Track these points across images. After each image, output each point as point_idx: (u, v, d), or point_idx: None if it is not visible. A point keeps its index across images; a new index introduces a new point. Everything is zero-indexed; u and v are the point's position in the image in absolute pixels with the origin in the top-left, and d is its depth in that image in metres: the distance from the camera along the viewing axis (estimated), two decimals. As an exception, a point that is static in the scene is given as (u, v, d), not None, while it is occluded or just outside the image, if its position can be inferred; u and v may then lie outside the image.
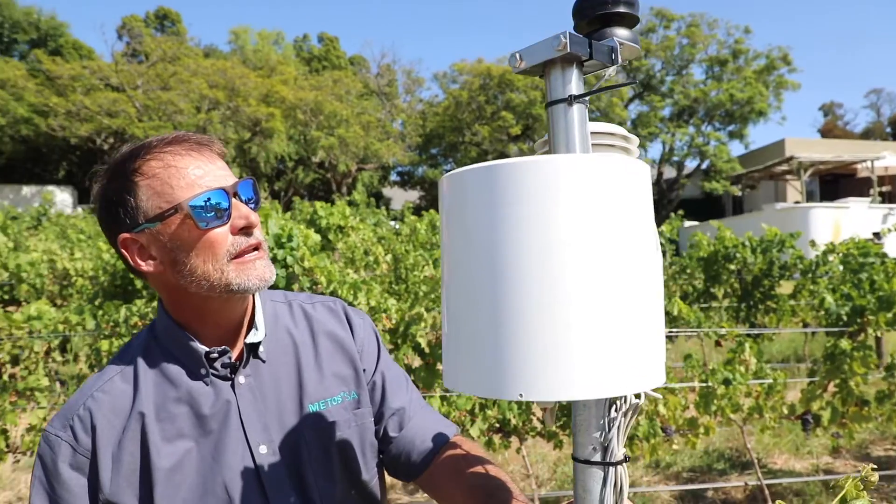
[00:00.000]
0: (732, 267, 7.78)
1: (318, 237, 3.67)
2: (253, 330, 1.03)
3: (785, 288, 7.66)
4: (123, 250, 0.95)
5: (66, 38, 36.18)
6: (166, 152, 0.93)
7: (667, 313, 4.53)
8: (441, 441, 1.11)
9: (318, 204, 6.92)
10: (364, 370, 1.12)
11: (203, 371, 0.98)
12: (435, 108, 36.27)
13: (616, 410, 0.76)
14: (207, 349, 0.98)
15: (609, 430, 0.74)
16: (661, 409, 3.47)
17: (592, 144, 0.79)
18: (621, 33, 0.76)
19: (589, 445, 0.74)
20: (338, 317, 1.15)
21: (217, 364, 0.98)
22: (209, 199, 0.91)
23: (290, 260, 3.30)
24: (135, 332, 3.50)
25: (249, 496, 0.97)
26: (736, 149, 31.57)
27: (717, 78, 31.47)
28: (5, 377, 3.54)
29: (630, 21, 0.77)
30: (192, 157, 0.94)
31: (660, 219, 24.40)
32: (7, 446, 3.23)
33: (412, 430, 1.12)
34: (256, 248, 0.96)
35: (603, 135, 0.78)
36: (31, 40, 35.33)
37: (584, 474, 0.74)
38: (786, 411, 3.63)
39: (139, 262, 0.95)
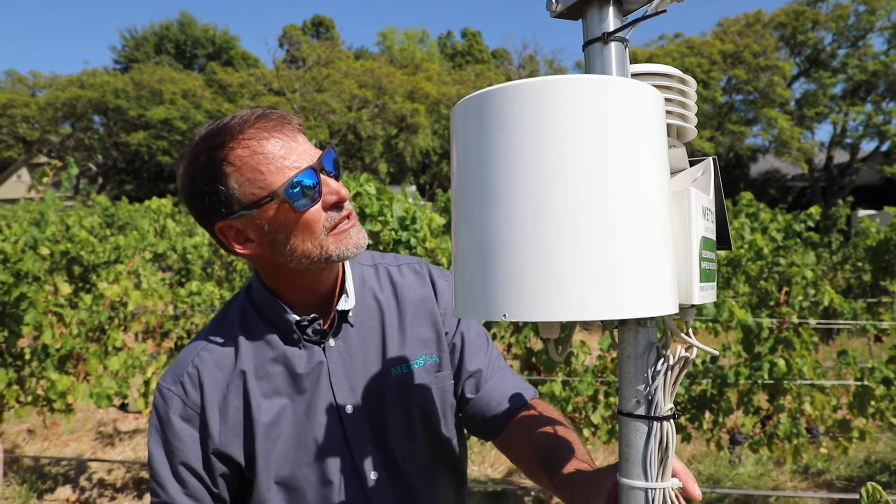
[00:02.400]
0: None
1: (441, 220, 3.77)
2: (343, 297, 1.06)
3: None
4: (221, 236, 0.98)
5: (236, 50, 40.28)
6: (250, 138, 0.93)
7: (817, 304, 4.07)
8: (518, 403, 1.12)
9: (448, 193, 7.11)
10: (446, 333, 1.14)
11: (295, 336, 1.03)
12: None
13: (662, 363, 0.73)
14: (298, 318, 1.02)
15: (653, 382, 0.71)
16: (808, 407, 3.15)
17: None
18: (670, -33, 0.72)
19: (633, 398, 0.72)
20: (423, 279, 1.18)
21: (308, 331, 1.03)
22: (301, 181, 0.93)
23: (413, 241, 3.42)
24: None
25: (336, 452, 1.02)
26: (924, 128, 27.14)
27: (902, 48, 27.36)
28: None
29: (683, -46, 0.73)
30: (276, 137, 0.94)
31: (828, 206, 21.84)
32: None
33: (488, 392, 1.13)
34: (347, 216, 0.99)
35: (651, 75, 0.74)
36: (208, 54, 39.79)
37: (627, 428, 0.72)
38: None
39: (237, 245, 0.99)
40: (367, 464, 1.04)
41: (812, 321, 3.67)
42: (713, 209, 0.74)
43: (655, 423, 0.71)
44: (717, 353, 0.73)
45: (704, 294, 0.68)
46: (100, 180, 32.90)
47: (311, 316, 1.03)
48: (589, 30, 0.70)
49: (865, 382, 2.99)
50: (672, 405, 0.73)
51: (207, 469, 1.00)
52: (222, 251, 8.77)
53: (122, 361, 3.35)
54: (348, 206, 1.00)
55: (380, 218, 3.37)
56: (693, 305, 0.68)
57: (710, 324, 4.16)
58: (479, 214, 0.52)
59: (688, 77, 0.77)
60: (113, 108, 29.76)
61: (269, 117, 0.96)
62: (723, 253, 5.69)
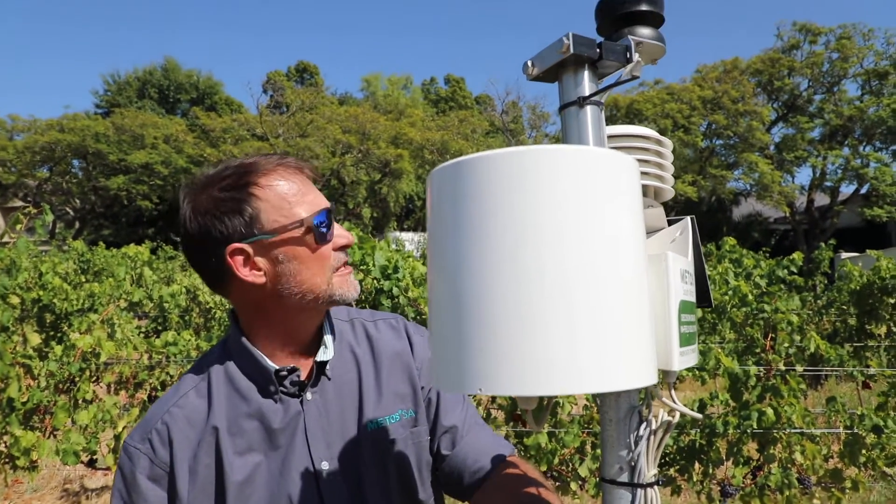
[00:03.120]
0: (893, 301, 6.88)
1: (424, 268, 3.75)
2: (322, 348, 1.06)
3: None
4: (228, 259, 0.97)
5: (220, 96, 40.70)
6: (277, 172, 0.99)
7: (803, 350, 4.08)
8: (495, 461, 1.08)
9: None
10: (422, 387, 1.12)
11: (272, 388, 1.01)
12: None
13: (644, 428, 0.71)
14: (277, 367, 1.01)
15: (636, 448, 0.69)
16: (798, 457, 3.12)
17: (618, 147, 0.76)
18: (644, 32, 0.73)
19: (616, 465, 0.70)
20: (399, 333, 1.17)
21: (286, 382, 1.01)
22: (323, 217, 0.98)
23: (395, 290, 3.39)
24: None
25: None
26: (901, 170, 27.84)
27: (876, 93, 28.22)
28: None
29: (654, 20, 0.74)
30: (299, 177, 1.01)
31: (810, 249, 22.15)
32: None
33: (464, 449, 1.10)
34: (346, 263, 1.04)
35: (626, 137, 0.75)
36: (192, 99, 40.13)
37: (611, 496, 0.70)
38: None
39: (243, 270, 0.97)
40: None
41: (799, 368, 3.67)
42: (692, 270, 0.73)
43: (640, 490, 0.69)
44: (700, 416, 0.71)
45: (685, 359, 0.66)
46: (77, 225, 32.56)
47: (291, 366, 1.02)
48: (565, 93, 0.71)
49: (856, 430, 2.97)
50: (656, 471, 0.71)
51: None
52: (202, 297, 8.65)
53: (91, 415, 3.24)
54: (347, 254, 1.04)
55: (362, 267, 3.35)
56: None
57: (697, 371, 4.16)
58: (454, 284, 0.50)
59: (664, 138, 0.78)
60: (93, 153, 29.65)
61: (290, 161, 1.03)
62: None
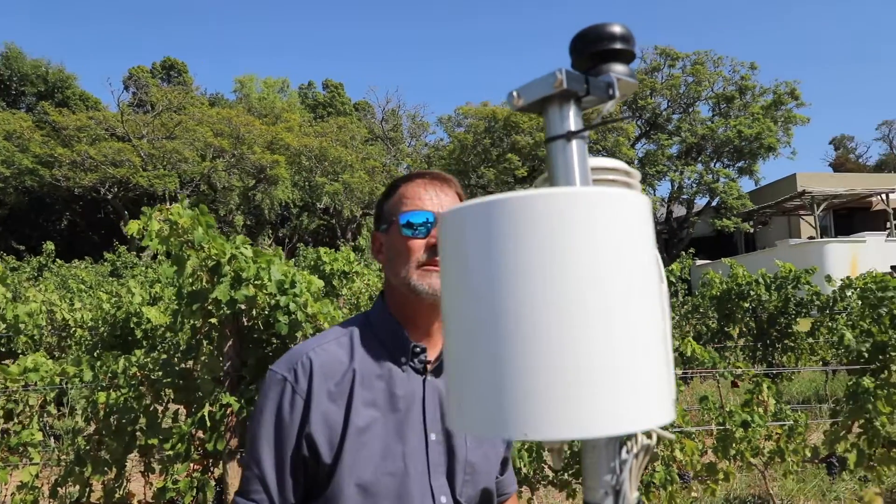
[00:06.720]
0: (747, 305, 7.68)
1: (321, 283, 3.64)
2: None
3: (802, 325, 7.51)
4: (372, 244, 1.26)
5: (73, 90, 37.03)
6: (415, 181, 1.21)
7: (680, 354, 4.44)
8: (508, 495, 1.37)
9: (321, 250, 6.92)
10: None
11: (403, 359, 1.17)
12: (440, 151, 36.50)
13: (627, 452, 0.73)
14: (414, 342, 1.17)
15: (620, 472, 0.71)
16: (678, 454, 3.37)
17: (593, 180, 0.79)
18: (618, 69, 0.76)
19: (600, 489, 0.71)
20: None
21: (415, 360, 1.17)
22: (415, 214, 1.15)
23: (292, 306, 3.27)
24: (133, 383, 3.42)
25: (418, 471, 1.13)
26: (746, 185, 31.14)
27: (724, 115, 31.47)
28: (-2, 433, 3.47)
29: (626, 57, 0.77)
30: (429, 186, 1.20)
31: (670, 257, 24.15)
32: (-2, 505, 3.14)
33: (508, 479, 1.36)
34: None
35: (604, 170, 0.77)
36: (39, 92, 36.13)
37: (596, 521, 0.71)
38: (809, 454, 3.50)
39: (377, 253, 1.24)
40: (438, 488, 1.15)
41: (678, 371, 3.98)
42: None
43: (625, 514, 0.71)
44: (672, 437, 0.74)
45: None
46: None
47: (423, 346, 1.18)
48: (551, 125, 0.72)
49: (727, 426, 3.27)
50: (638, 494, 0.74)
51: (297, 452, 1.11)
52: (59, 314, 7.83)
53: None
54: None
55: (256, 282, 3.18)
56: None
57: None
58: (491, 328, 0.49)
59: (633, 170, 0.81)
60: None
61: (437, 175, 1.23)
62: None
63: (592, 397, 0.47)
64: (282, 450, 1.11)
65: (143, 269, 18.82)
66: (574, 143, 0.71)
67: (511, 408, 0.48)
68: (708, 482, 3.27)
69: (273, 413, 1.12)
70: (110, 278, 17.58)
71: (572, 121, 0.71)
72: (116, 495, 3.35)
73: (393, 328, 1.18)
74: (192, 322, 3.33)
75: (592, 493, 0.71)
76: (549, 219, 0.49)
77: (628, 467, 0.71)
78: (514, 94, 0.73)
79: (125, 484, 3.38)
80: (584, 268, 0.48)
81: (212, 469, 3.34)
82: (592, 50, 0.75)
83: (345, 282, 7.25)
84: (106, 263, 20.79)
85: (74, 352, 7.19)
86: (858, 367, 4.46)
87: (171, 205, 3.12)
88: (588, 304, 0.48)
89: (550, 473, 3.41)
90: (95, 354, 5.18)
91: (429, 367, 1.19)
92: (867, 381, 3.62)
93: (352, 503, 1.09)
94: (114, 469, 3.34)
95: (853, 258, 17.37)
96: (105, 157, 27.94)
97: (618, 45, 0.75)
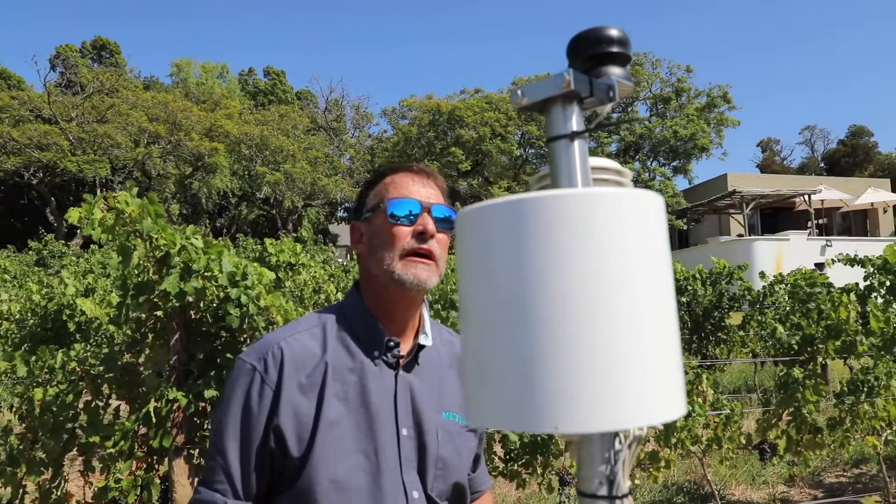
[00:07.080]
0: (683, 300, 7.99)
1: (272, 275, 3.58)
2: (422, 335, 1.21)
3: (734, 319, 7.88)
4: (351, 233, 1.25)
5: (-6, 69, 34.71)
6: (401, 172, 1.21)
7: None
8: (481, 491, 1.37)
9: (267, 241, 6.77)
10: None
11: (377, 353, 1.16)
12: (384, 143, 36.25)
13: (620, 443, 0.76)
14: (388, 336, 1.16)
15: (615, 462, 0.74)
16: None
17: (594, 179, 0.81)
18: (616, 71, 0.79)
19: (595, 479, 0.73)
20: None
21: (388, 354, 1.16)
22: (403, 203, 1.14)
23: (244, 299, 3.20)
24: (73, 378, 3.28)
25: (390, 466, 1.13)
26: (680, 183, 32.49)
27: (661, 115, 32.58)
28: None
29: (623, 60, 0.80)
30: (415, 178, 1.20)
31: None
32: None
33: (480, 476, 1.36)
34: (429, 256, 1.13)
35: (599, 169, 0.80)
36: (-45, 70, 33.73)
37: (590, 510, 0.73)
38: (743, 441, 3.69)
39: (356, 243, 1.22)
40: (410, 483, 1.15)
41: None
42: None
43: (618, 501, 0.73)
44: (661, 427, 0.78)
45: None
46: None
47: (397, 340, 1.17)
48: (554, 125, 0.73)
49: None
50: (629, 482, 0.77)
51: (264, 444, 1.09)
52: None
53: None
54: (434, 247, 1.14)
55: (206, 273, 3.09)
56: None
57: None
58: (520, 325, 0.51)
59: (625, 170, 0.84)
60: None
61: (422, 169, 1.24)
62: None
63: (622, 391, 0.49)
64: (248, 441, 1.09)
65: (74, 258, 17.92)
66: (576, 143, 0.73)
67: (542, 403, 0.49)
68: (650, 469, 3.40)
69: (240, 403, 1.10)
70: (36, 268, 16.65)
71: (575, 121, 0.73)
72: (53, 496, 3.20)
73: (367, 321, 1.17)
74: (137, 314, 3.21)
75: (587, 482, 0.74)
76: (580, 218, 0.51)
77: (622, 457, 0.74)
78: (520, 93, 0.74)
79: (63, 484, 3.23)
80: (614, 266, 0.50)
81: (157, 467, 3.23)
82: (591, 52, 0.77)
83: (290, 273, 7.12)
84: (31, 252, 19.65)
85: (0, 346, 6.79)
86: (788, 358, 4.74)
87: (102, 192, 2.99)
88: (618, 301, 0.50)
89: (501, 465, 3.47)
90: (25, 349, 4.92)
91: (401, 361, 1.18)
92: (797, 372, 3.84)
93: (325, 498, 1.08)
94: (50, 469, 3.19)
95: (778, 255, 18.36)
96: (30, 140, 26.35)
97: (615, 48, 0.78)
